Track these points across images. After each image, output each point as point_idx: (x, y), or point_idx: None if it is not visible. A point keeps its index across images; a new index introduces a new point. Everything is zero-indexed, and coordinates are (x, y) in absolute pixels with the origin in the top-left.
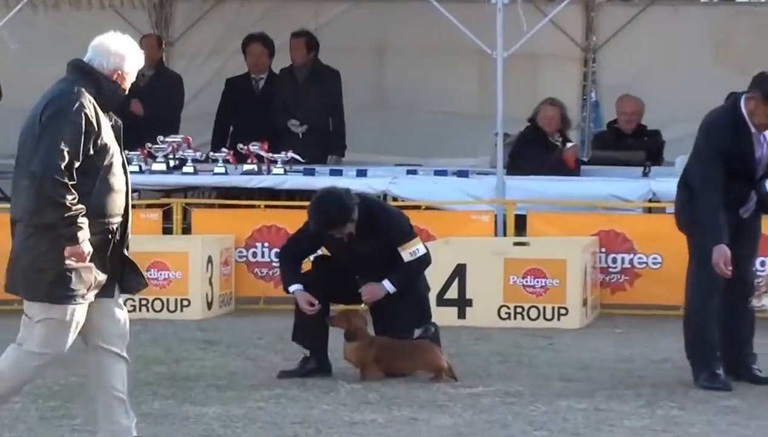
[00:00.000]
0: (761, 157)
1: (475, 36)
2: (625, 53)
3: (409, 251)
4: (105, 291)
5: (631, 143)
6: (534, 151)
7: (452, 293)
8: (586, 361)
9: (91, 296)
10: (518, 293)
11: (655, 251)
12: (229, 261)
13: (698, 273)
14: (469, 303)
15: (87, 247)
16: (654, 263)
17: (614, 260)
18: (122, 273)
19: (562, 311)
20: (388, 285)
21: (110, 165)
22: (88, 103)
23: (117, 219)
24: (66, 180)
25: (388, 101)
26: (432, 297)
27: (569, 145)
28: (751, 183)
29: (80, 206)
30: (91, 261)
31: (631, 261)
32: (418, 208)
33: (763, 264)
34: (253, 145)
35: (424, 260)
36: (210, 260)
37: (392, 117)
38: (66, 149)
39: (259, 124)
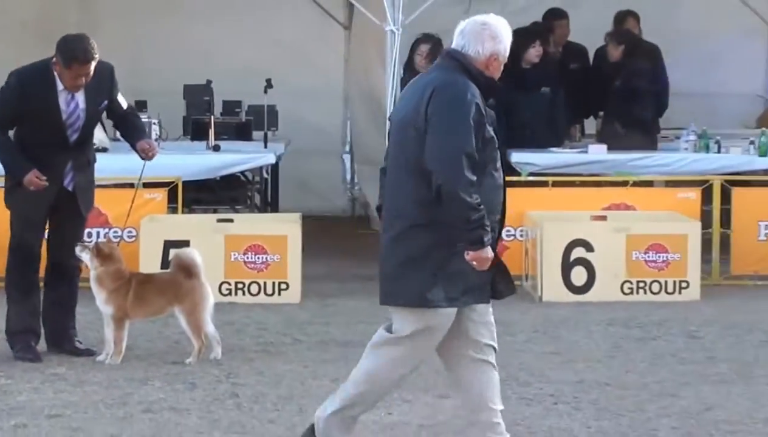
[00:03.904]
0: (71, 116)
1: None
2: None
3: None
4: (481, 296)
5: None
6: None
7: None
8: None
9: (467, 300)
10: None
11: None
12: None
13: (13, 249)
14: None
15: (491, 252)
16: None
17: None
18: (494, 276)
19: None
20: None
21: (494, 158)
22: (476, 91)
23: (497, 217)
24: (473, 176)
25: None
26: None
27: None
28: (67, 149)
29: (483, 206)
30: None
31: None
32: None
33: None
34: None
35: None
36: None
37: None
38: (468, 144)
39: None
